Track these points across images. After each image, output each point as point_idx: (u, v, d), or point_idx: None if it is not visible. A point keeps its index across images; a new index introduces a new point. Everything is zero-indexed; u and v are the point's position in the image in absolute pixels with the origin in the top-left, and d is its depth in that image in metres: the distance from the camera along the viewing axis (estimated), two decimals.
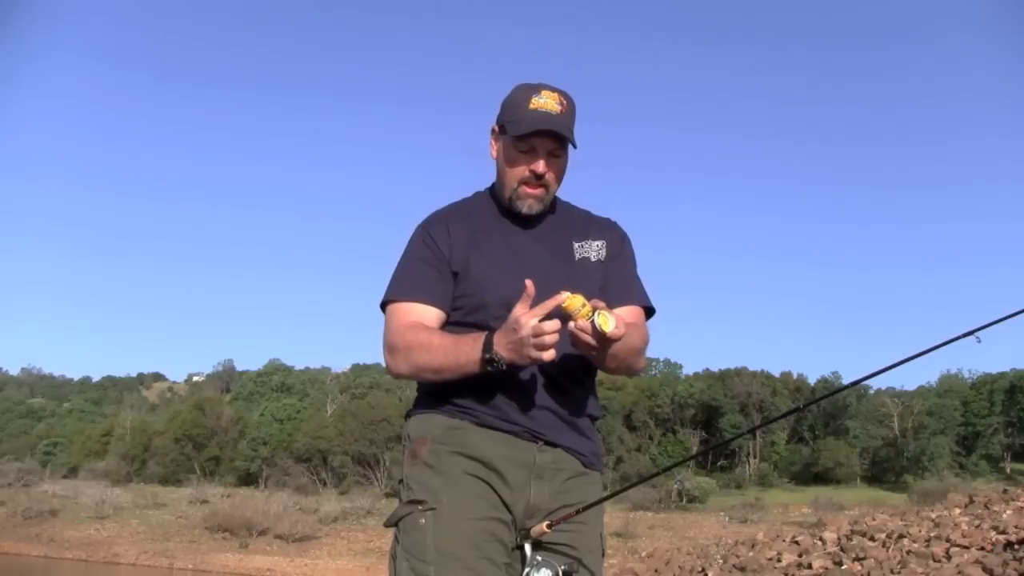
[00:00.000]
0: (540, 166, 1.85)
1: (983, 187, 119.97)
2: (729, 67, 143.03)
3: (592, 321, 1.66)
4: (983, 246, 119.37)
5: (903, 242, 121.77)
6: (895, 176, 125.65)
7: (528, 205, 1.88)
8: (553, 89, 1.87)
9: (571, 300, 1.67)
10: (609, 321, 1.65)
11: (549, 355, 1.65)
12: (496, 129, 1.93)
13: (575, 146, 1.87)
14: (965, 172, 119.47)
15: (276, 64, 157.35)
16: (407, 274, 1.92)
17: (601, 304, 1.69)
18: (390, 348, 1.86)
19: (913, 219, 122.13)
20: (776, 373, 62.77)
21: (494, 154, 1.95)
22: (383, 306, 1.93)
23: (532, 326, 1.62)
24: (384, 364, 1.89)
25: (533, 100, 1.84)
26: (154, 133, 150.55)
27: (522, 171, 1.86)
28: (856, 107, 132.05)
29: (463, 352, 1.74)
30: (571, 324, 1.67)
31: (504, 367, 1.69)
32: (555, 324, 1.64)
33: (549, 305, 1.65)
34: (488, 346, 1.70)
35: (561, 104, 1.85)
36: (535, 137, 1.83)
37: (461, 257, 1.88)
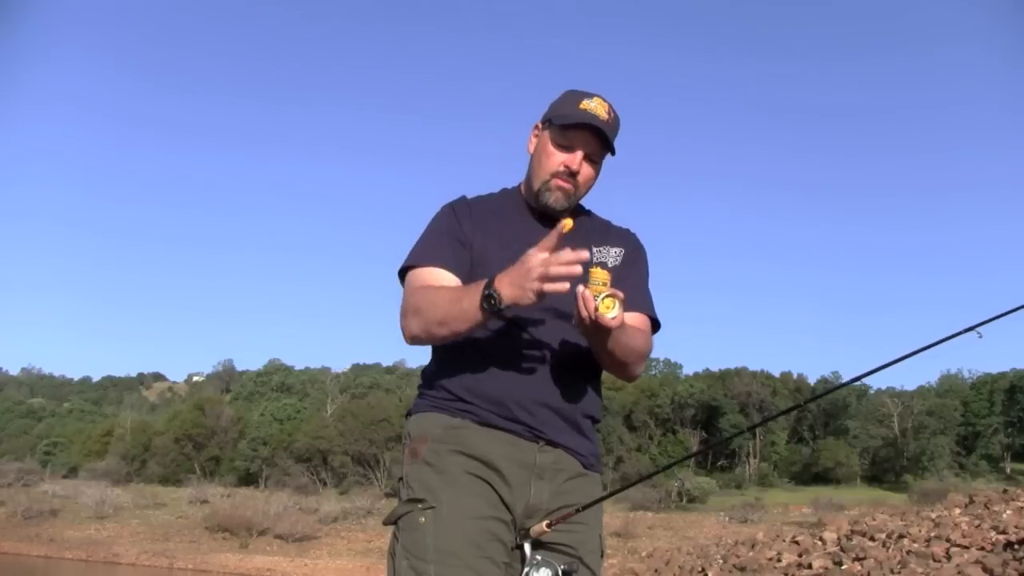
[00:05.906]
0: (575, 161, 1.88)
1: (984, 190, 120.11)
2: (731, 76, 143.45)
3: (598, 300, 1.63)
4: (984, 249, 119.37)
5: (904, 244, 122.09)
6: (896, 180, 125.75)
7: (555, 198, 1.90)
8: (605, 100, 1.91)
9: (596, 272, 1.65)
10: (612, 309, 1.63)
11: (558, 287, 1.59)
12: (540, 124, 1.96)
13: (613, 152, 1.90)
14: (966, 176, 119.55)
15: (274, 69, 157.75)
16: (426, 242, 1.93)
17: (620, 295, 1.65)
18: (404, 312, 1.83)
19: (914, 222, 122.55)
20: (776, 373, 63.05)
21: (531, 148, 1.97)
22: (401, 273, 1.92)
23: (541, 258, 1.59)
24: (400, 330, 1.84)
25: (584, 102, 1.89)
26: (155, 136, 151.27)
27: (557, 164, 1.89)
28: (851, 114, 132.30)
29: (466, 296, 1.71)
30: (580, 287, 1.64)
31: (501, 305, 1.64)
32: (570, 255, 1.59)
33: (553, 236, 1.62)
34: (489, 282, 1.67)
35: (609, 114, 1.89)
36: (577, 133, 1.87)
37: (480, 242, 1.90)
